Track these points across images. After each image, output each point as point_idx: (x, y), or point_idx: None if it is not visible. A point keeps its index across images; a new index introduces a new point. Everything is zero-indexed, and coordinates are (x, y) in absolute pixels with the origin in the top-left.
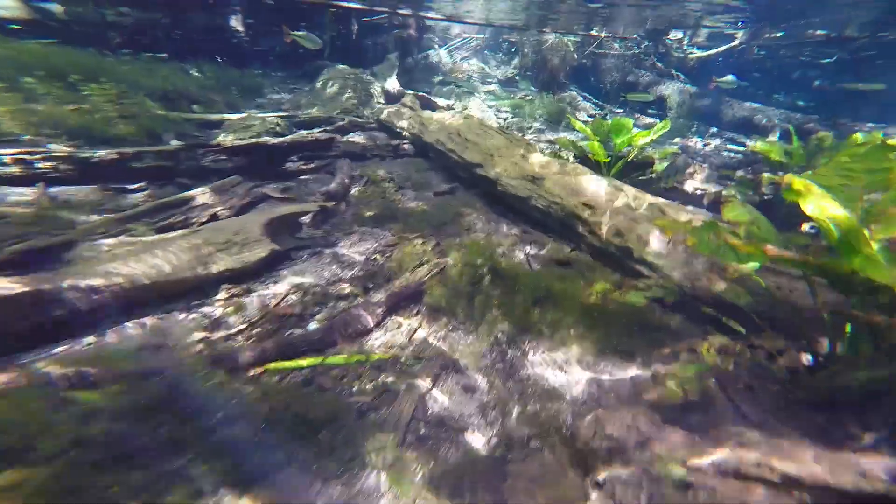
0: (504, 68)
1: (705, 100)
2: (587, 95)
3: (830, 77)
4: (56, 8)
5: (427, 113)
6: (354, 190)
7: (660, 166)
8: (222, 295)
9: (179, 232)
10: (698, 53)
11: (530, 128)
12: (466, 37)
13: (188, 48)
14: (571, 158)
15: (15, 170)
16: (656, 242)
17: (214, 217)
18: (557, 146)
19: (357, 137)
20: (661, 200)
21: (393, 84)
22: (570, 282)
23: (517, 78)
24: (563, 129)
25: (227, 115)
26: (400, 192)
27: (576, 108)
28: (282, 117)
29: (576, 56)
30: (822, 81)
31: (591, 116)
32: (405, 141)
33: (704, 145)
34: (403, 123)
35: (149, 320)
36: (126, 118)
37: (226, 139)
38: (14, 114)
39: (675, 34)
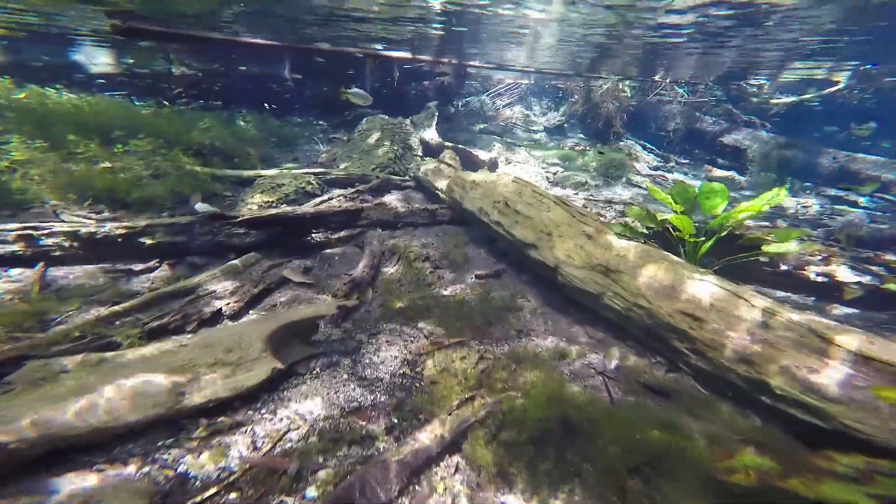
0: (551, 114)
1: (793, 150)
2: (646, 145)
3: None
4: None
5: (468, 174)
6: (385, 270)
7: (773, 248)
8: (200, 432)
9: (161, 346)
10: (784, 99)
11: (584, 183)
12: (510, 82)
13: (239, 97)
14: (638, 227)
15: (17, 247)
16: (827, 381)
17: (218, 314)
18: (624, 212)
19: (391, 199)
20: (812, 319)
21: (432, 135)
22: (681, 435)
23: (565, 126)
24: (622, 185)
25: (260, 172)
26: (436, 272)
27: (635, 159)
28: (315, 174)
29: (633, 102)
30: None
31: (652, 169)
32: (443, 205)
33: (802, 207)
34: (442, 185)
35: (70, 482)
36: (157, 177)
37: (253, 199)
38: (45, 175)
39: (755, 80)
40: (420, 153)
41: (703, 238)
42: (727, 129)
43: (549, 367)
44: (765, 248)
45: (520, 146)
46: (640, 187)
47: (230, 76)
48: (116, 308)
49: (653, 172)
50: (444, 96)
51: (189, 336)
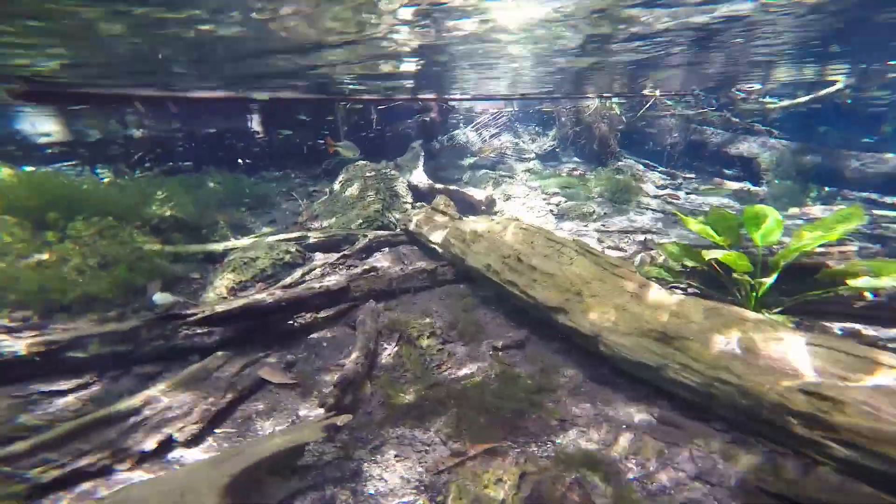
0: (541, 140)
1: (810, 156)
2: (647, 162)
3: None
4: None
5: (467, 224)
6: (384, 354)
7: (865, 283)
8: None
9: None
10: (779, 103)
11: (592, 213)
12: (494, 111)
13: (209, 156)
14: (675, 266)
15: None
16: None
17: (168, 442)
18: (646, 244)
19: (383, 260)
20: None
21: (420, 177)
22: None
23: (558, 150)
24: (634, 210)
25: (230, 244)
26: (445, 349)
27: (640, 180)
28: (294, 240)
29: (624, 119)
30: None
31: (659, 188)
32: (442, 262)
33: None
34: (437, 238)
35: None
36: (105, 266)
37: (221, 281)
38: None
39: (749, 85)
40: (409, 199)
41: (762, 275)
42: (731, 139)
43: (619, 475)
44: (852, 283)
45: (514, 177)
46: (653, 210)
47: (197, 135)
48: (17, 447)
49: (661, 192)
50: (427, 134)
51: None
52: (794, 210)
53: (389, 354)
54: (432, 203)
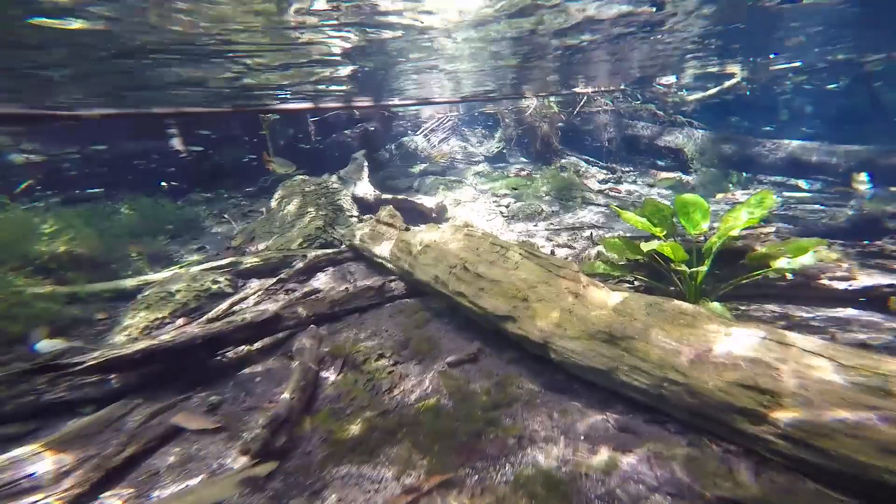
0: (488, 143)
1: (728, 144)
2: (589, 158)
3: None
4: None
5: (413, 235)
6: (327, 384)
7: (786, 264)
8: None
9: None
10: (694, 95)
11: (541, 212)
12: (440, 116)
13: (124, 180)
14: (618, 260)
15: None
16: None
17: None
18: (593, 239)
19: (326, 280)
20: None
21: (365, 189)
22: None
23: (505, 151)
24: (580, 206)
25: (147, 278)
26: (397, 370)
27: (583, 176)
28: (223, 267)
29: (563, 117)
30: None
31: (601, 182)
32: (391, 276)
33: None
34: (384, 252)
35: None
36: None
37: (133, 320)
38: None
39: (667, 78)
40: (355, 213)
41: (697, 262)
42: (660, 132)
43: (580, 495)
44: (775, 265)
45: (464, 182)
46: (597, 205)
47: (100, 158)
48: None
49: (603, 186)
50: (371, 143)
51: None
52: (720, 195)
53: (333, 383)
54: (377, 215)
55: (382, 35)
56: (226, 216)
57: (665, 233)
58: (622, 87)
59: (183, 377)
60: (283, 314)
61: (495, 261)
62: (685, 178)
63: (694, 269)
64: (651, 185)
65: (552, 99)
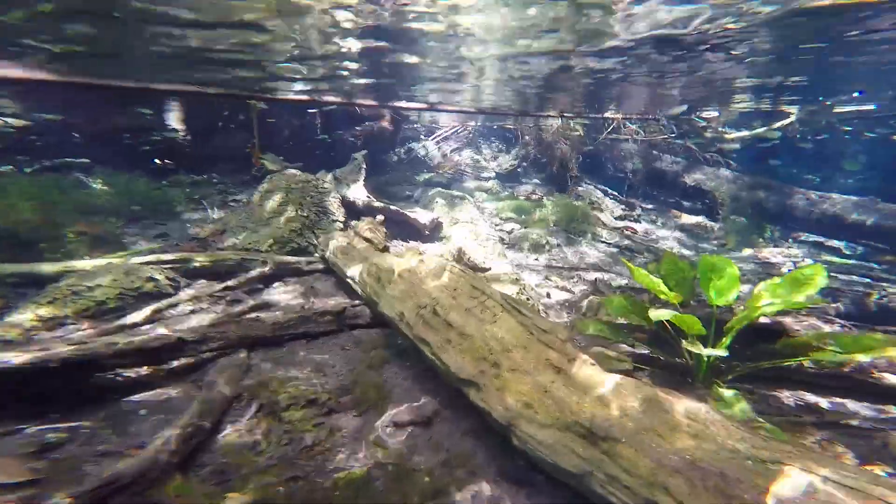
0: (502, 158)
1: (766, 192)
2: (607, 189)
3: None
4: None
5: (385, 260)
6: (230, 432)
7: (830, 357)
8: None
9: None
10: (738, 133)
11: (544, 245)
12: (456, 125)
13: (110, 154)
14: (611, 318)
15: None
16: None
17: None
18: (597, 286)
19: (282, 294)
20: None
21: (358, 193)
22: None
23: (519, 170)
24: (587, 243)
25: (72, 264)
26: (328, 423)
27: (598, 209)
28: (171, 263)
29: (586, 141)
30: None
31: (617, 218)
32: (357, 301)
33: (792, 260)
34: (353, 272)
35: None
36: None
37: (24, 315)
38: None
39: (708, 112)
40: (341, 218)
41: (715, 334)
42: (688, 168)
43: None
44: (816, 356)
45: (470, 199)
46: (607, 244)
47: (89, 129)
48: None
49: (619, 224)
50: (379, 144)
51: None
52: (747, 251)
53: (239, 431)
54: (356, 226)
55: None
56: (204, 202)
57: (681, 299)
58: (657, 116)
59: (40, 399)
60: (204, 335)
61: (471, 308)
62: (709, 223)
63: (709, 352)
64: (672, 228)
65: (577, 120)
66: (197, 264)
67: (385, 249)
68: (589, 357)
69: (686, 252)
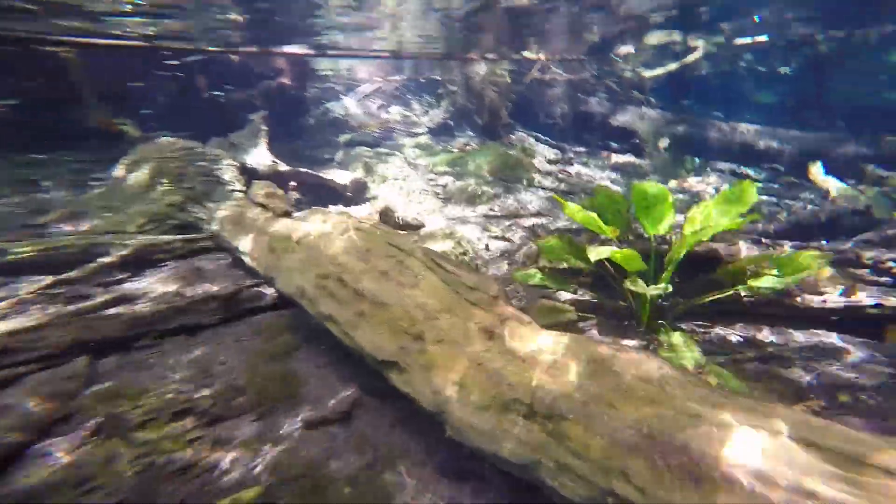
0: (433, 112)
1: (684, 126)
2: (539, 135)
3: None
4: None
5: (282, 225)
6: (56, 461)
7: (765, 283)
8: None
9: None
10: (653, 72)
11: (481, 195)
12: (379, 82)
13: None
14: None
15: None
16: None
17: None
18: (535, 231)
19: (156, 282)
20: None
21: (259, 158)
22: None
23: (451, 123)
24: (524, 189)
25: None
26: (207, 435)
27: (531, 155)
28: None
29: (514, 87)
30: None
31: (550, 163)
32: (257, 280)
33: (714, 188)
34: (244, 246)
35: None
36: None
37: None
38: None
39: (625, 48)
40: (239, 187)
41: (655, 270)
42: (613, 110)
43: None
44: (753, 283)
45: (400, 155)
46: (545, 189)
47: None
48: None
49: (553, 169)
50: (289, 107)
51: None
52: (672, 183)
53: (55, 466)
54: (250, 192)
55: None
56: (43, 184)
57: (618, 234)
58: (579, 56)
59: None
60: (4, 347)
61: (388, 271)
62: (638, 161)
63: (652, 290)
64: (604, 169)
65: (503, 65)
66: (21, 255)
67: (286, 215)
68: (523, 315)
69: (618, 189)
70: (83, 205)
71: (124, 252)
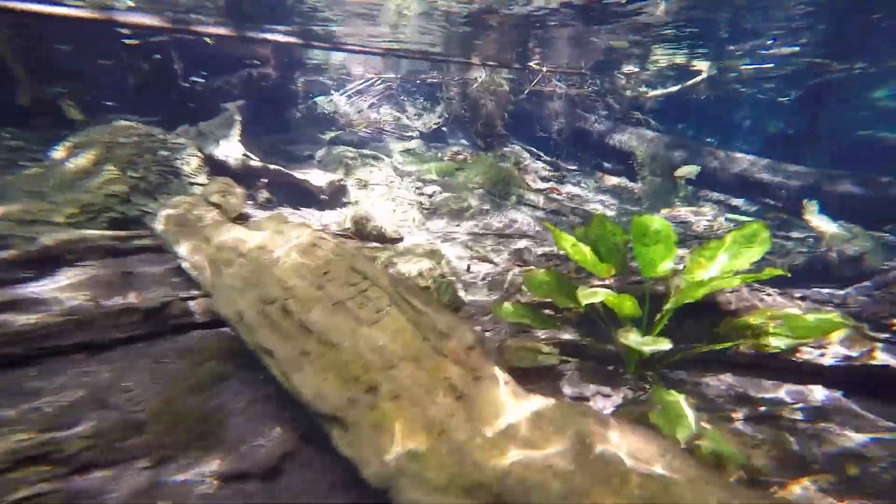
0: (427, 116)
1: (681, 152)
2: (533, 149)
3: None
4: None
5: (230, 233)
6: None
7: (778, 342)
8: None
9: None
10: (656, 92)
11: (468, 209)
12: (372, 77)
13: None
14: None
15: None
16: None
17: None
18: (523, 256)
19: (59, 286)
20: None
21: (230, 150)
22: None
23: (444, 129)
24: (513, 206)
25: None
26: (67, 488)
27: (524, 170)
28: None
29: (512, 97)
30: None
31: (543, 180)
32: (196, 292)
33: (706, 220)
34: (184, 252)
35: None
36: None
37: None
38: None
39: (628, 67)
40: (202, 180)
41: (650, 313)
42: (612, 129)
43: None
44: (762, 343)
45: (387, 160)
46: (534, 207)
47: None
48: None
49: (544, 186)
50: (277, 102)
51: None
52: (664, 211)
53: None
54: (203, 192)
55: None
56: None
57: (614, 272)
58: (583, 70)
59: None
60: None
61: (346, 301)
62: (631, 184)
63: (651, 348)
64: (596, 190)
65: (503, 73)
66: None
67: (240, 218)
68: (502, 372)
69: (609, 213)
70: (5, 187)
71: (31, 248)
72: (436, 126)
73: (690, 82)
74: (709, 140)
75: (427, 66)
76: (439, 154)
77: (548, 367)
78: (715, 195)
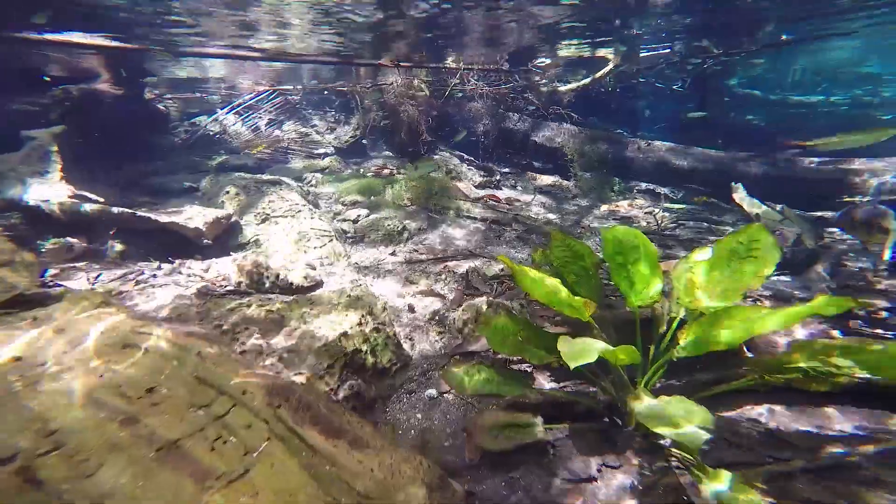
0: (341, 129)
1: (605, 144)
2: (463, 154)
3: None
4: None
5: None
6: None
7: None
8: None
9: None
10: (569, 86)
11: (401, 231)
12: (267, 90)
13: None
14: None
15: None
16: None
17: None
18: (472, 283)
19: None
20: None
21: (50, 192)
22: None
23: (364, 142)
24: (452, 221)
25: None
26: None
27: (457, 178)
28: None
29: (434, 101)
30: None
31: (478, 187)
32: None
33: (645, 211)
34: None
35: None
36: None
37: None
38: None
39: (541, 61)
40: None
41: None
42: (535, 127)
43: None
44: (816, 387)
45: (291, 185)
46: (474, 218)
47: None
48: None
49: (481, 193)
50: (102, 117)
51: None
52: (604, 207)
53: None
54: None
55: None
56: None
57: (593, 308)
58: (501, 66)
59: None
60: None
61: (183, 441)
62: (565, 183)
63: (679, 425)
64: (532, 192)
65: (422, 76)
66: None
67: (16, 303)
68: None
69: (551, 216)
70: None
71: None
72: (352, 139)
73: (599, 74)
74: (618, 130)
75: (335, 74)
76: (361, 170)
77: (534, 443)
78: (644, 185)
